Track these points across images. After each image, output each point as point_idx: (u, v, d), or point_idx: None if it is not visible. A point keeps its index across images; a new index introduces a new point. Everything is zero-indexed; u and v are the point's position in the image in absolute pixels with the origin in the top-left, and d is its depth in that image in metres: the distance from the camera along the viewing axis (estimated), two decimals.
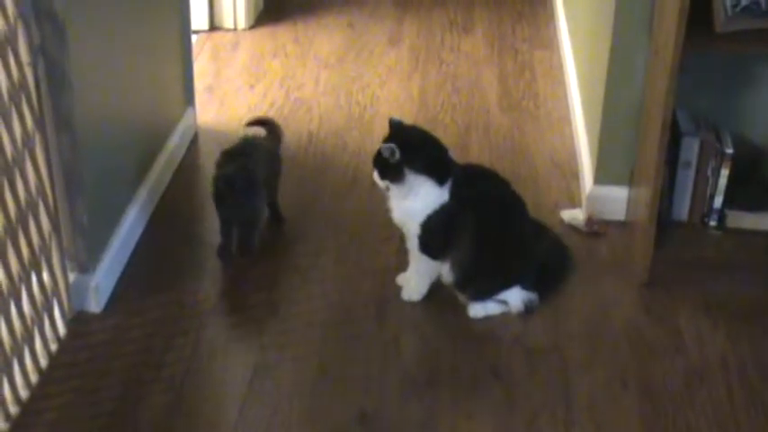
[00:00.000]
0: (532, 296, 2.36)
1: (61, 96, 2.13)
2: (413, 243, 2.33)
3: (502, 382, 2.17)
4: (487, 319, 2.35)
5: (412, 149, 2.21)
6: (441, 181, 2.23)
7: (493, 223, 2.29)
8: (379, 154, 2.22)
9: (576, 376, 2.19)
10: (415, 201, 2.25)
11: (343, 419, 2.06)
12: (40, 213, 2.13)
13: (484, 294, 2.35)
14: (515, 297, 2.35)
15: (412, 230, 2.31)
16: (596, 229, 2.67)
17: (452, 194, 2.24)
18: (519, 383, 2.16)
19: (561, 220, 2.73)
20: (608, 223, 2.70)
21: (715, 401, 2.12)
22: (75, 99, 2.15)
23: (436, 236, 2.29)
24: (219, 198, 2.46)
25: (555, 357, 2.24)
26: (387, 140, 2.24)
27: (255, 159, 2.51)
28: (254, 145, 2.60)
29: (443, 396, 2.13)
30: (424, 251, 2.32)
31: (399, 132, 2.28)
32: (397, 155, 2.19)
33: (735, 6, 2.27)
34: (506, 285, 2.34)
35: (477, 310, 2.35)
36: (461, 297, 2.37)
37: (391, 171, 2.21)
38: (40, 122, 2.11)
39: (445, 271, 2.33)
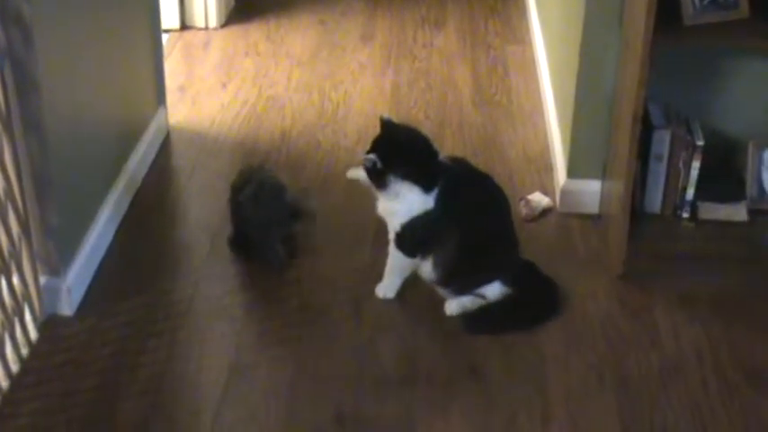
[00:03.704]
0: (511, 291, 2.36)
1: (29, 98, 2.11)
2: (391, 237, 2.33)
3: (479, 379, 2.17)
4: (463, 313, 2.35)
5: (395, 157, 2.21)
6: (427, 189, 2.22)
7: (479, 226, 2.28)
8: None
9: (553, 371, 2.19)
10: (401, 204, 2.25)
11: (320, 420, 2.05)
12: (8, 216, 2.11)
13: (465, 290, 2.35)
14: (494, 291, 2.35)
15: (392, 227, 2.31)
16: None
17: (439, 202, 2.23)
18: (496, 380, 2.16)
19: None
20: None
21: (690, 393, 2.13)
22: (43, 101, 2.13)
23: (415, 238, 2.29)
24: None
25: (531, 352, 2.25)
26: (373, 145, 2.24)
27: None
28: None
29: (421, 394, 2.12)
30: (400, 248, 2.33)
31: (386, 136, 2.27)
32: (379, 165, 2.20)
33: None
34: (487, 280, 2.34)
35: (454, 307, 2.35)
36: (441, 292, 2.36)
37: (376, 177, 2.22)
38: (7, 125, 2.08)
39: (427, 269, 2.32)
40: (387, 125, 2.29)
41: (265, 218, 2.46)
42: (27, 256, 2.20)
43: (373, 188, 2.27)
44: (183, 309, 2.38)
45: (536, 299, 2.39)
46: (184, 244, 2.64)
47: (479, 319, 2.31)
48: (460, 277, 2.33)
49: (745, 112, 2.62)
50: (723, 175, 2.61)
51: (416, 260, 2.33)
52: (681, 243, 2.52)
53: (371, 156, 2.21)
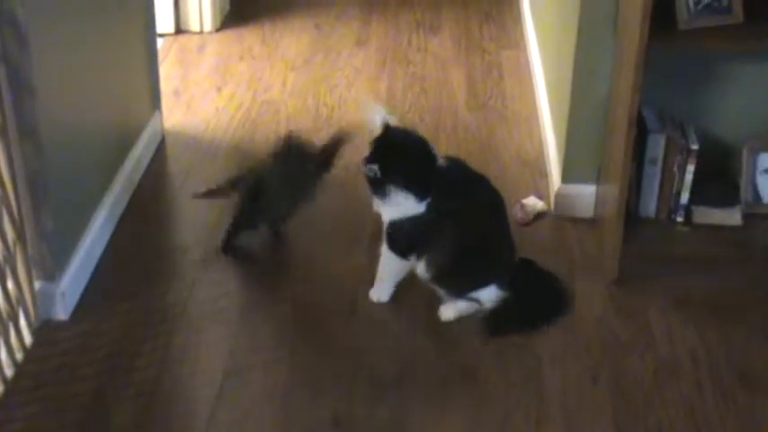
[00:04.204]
0: (506, 295, 2.36)
1: (24, 103, 2.11)
2: (383, 236, 2.34)
3: (473, 381, 2.17)
4: (459, 318, 2.35)
5: (394, 167, 2.21)
6: (421, 198, 2.23)
7: (475, 227, 2.28)
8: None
9: (548, 373, 2.19)
10: (393, 207, 2.26)
11: (315, 422, 2.05)
12: (3, 221, 2.10)
13: (460, 292, 2.35)
14: (490, 295, 2.35)
15: (386, 219, 2.31)
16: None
17: (430, 207, 2.23)
18: (491, 382, 2.17)
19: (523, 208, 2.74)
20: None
21: (685, 396, 2.13)
22: (38, 105, 2.13)
23: (405, 239, 2.29)
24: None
25: (526, 355, 2.25)
26: (372, 152, 2.23)
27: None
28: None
29: (416, 396, 2.12)
30: (391, 248, 2.33)
31: (386, 142, 2.25)
32: (379, 174, 2.21)
33: (697, 4, 2.29)
34: (483, 284, 2.34)
35: (449, 313, 2.35)
36: (438, 290, 2.36)
37: (376, 186, 2.23)
38: (2, 129, 2.08)
39: (421, 268, 2.32)
40: (386, 129, 2.27)
41: (292, 189, 2.48)
42: (22, 261, 2.19)
43: (372, 197, 2.27)
44: (178, 312, 2.38)
45: (549, 295, 2.41)
46: (179, 248, 2.64)
47: (501, 320, 2.31)
48: (456, 279, 2.33)
49: (739, 116, 2.63)
50: (717, 180, 2.61)
51: (409, 262, 2.33)
52: (675, 247, 2.52)
53: (372, 166, 2.21)
